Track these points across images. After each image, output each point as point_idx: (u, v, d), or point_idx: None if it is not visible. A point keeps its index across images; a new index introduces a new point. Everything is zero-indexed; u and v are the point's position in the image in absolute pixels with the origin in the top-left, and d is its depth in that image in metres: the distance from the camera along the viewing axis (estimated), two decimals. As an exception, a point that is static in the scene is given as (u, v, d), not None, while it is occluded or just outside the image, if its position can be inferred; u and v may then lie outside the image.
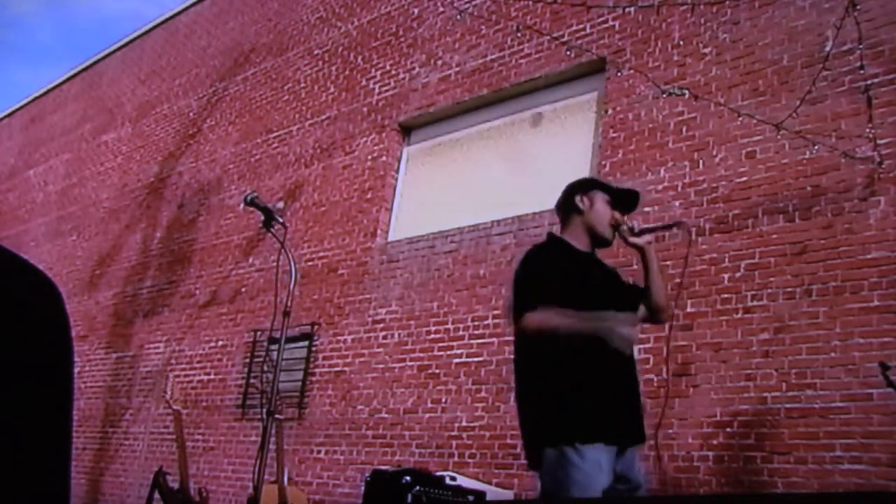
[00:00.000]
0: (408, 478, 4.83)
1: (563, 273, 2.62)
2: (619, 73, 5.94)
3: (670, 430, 4.78)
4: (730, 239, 4.96)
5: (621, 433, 2.53)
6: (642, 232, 2.78)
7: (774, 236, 4.79)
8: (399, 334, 6.53)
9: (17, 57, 42.08)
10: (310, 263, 7.54)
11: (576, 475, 2.38)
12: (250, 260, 8.31)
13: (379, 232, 7.21)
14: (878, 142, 4.44)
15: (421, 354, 6.31)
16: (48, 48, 43.25)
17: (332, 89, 8.45)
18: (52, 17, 42.79)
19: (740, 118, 4.81)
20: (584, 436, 2.42)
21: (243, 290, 8.22)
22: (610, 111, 5.94)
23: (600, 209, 2.81)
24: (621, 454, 2.53)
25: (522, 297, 2.58)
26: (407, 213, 7.30)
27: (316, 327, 7.25)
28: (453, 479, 4.74)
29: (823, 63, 4.58)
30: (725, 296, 4.85)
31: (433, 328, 6.31)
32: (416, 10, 7.87)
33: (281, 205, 7.98)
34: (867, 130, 4.48)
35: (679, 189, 5.32)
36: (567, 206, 2.90)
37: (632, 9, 5.91)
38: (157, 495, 5.32)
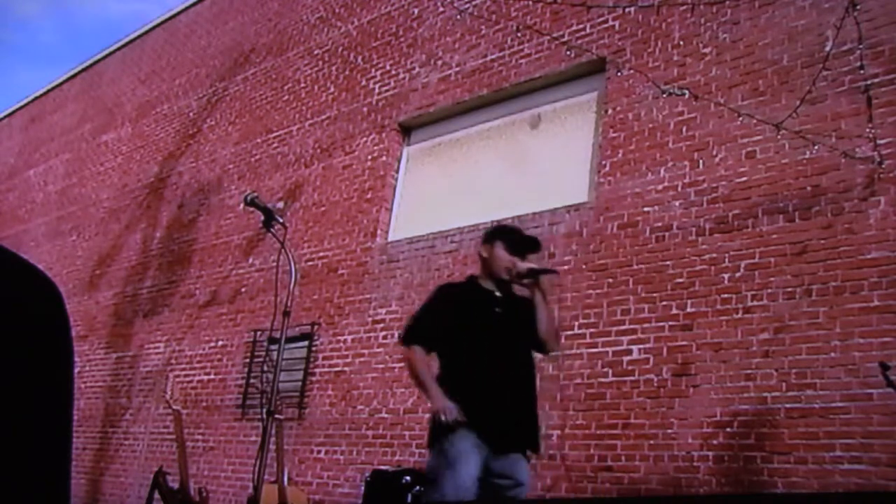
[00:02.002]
0: (408, 478, 4.84)
1: (449, 311, 3.25)
2: (619, 73, 5.94)
3: (670, 430, 4.79)
4: (730, 239, 4.96)
5: (494, 437, 3.02)
6: (527, 274, 3.27)
7: (774, 236, 4.79)
8: (399, 334, 6.52)
9: (20, 58, 42.10)
10: (310, 263, 7.54)
11: (448, 450, 2.97)
12: (250, 260, 8.31)
13: (379, 232, 7.21)
14: (878, 142, 4.44)
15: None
16: (51, 49, 43.29)
17: (332, 89, 8.45)
18: (55, 18, 42.82)
19: (740, 118, 4.81)
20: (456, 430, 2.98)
21: (243, 290, 8.22)
22: (610, 111, 5.94)
23: (498, 255, 3.32)
24: (503, 456, 3.04)
25: (413, 322, 3.34)
26: (407, 213, 7.30)
27: (316, 327, 7.25)
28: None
29: (823, 63, 4.58)
30: (725, 296, 4.85)
31: (433, 328, 6.30)
32: (416, 10, 7.87)
33: (281, 205, 7.99)
34: (867, 130, 4.48)
35: (679, 189, 5.32)
36: (478, 253, 3.50)
37: (632, 9, 5.91)
38: (157, 495, 5.32)
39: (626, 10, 5.95)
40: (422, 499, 3.34)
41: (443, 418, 2.97)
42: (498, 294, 3.33)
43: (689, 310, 4.98)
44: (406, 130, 7.65)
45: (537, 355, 3.37)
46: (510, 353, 3.21)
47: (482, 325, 3.22)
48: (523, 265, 3.30)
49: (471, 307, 3.28)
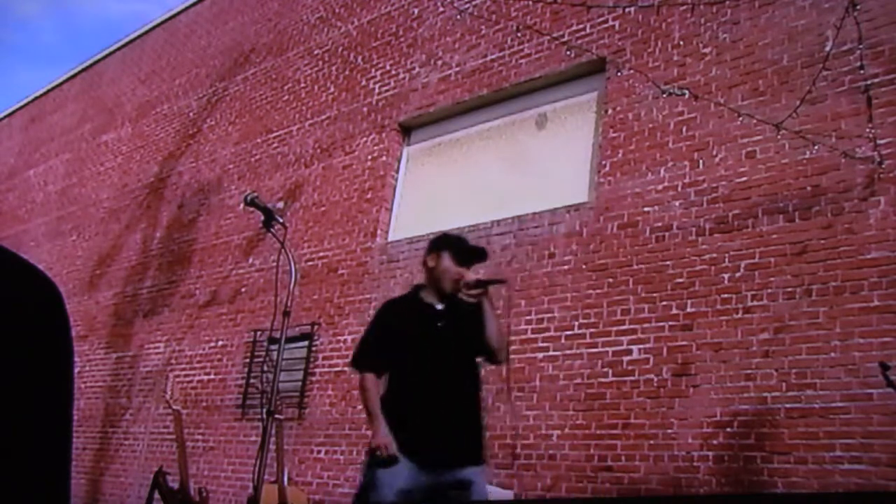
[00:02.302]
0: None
1: (392, 329, 3.26)
2: (619, 73, 5.94)
3: (670, 430, 4.79)
4: (730, 239, 4.96)
5: (432, 457, 3.02)
6: (475, 286, 3.24)
7: (774, 236, 4.79)
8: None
9: (21, 58, 42.10)
10: (310, 263, 7.54)
11: (371, 476, 3.06)
12: (250, 260, 8.31)
13: (379, 232, 7.21)
14: (878, 142, 4.44)
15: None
16: (51, 50, 43.29)
17: (332, 89, 8.45)
18: (56, 18, 42.82)
19: (740, 118, 4.81)
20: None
21: (243, 290, 8.22)
22: (610, 111, 5.94)
23: (444, 266, 3.27)
24: (446, 470, 3.04)
25: (360, 346, 3.35)
26: (407, 213, 7.30)
27: (316, 327, 7.25)
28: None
29: (823, 63, 4.58)
30: (725, 296, 4.85)
31: (433, 328, 6.30)
32: (416, 10, 7.87)
33: (281, 205, 7.99)
34: (867, 130, 4.47)
35: (679, 189, 5.32)
36: (423, 263, 3.42)
37: (632, 9, 5.91)
38: (157, 495, 5.32)
39: (626, 10, 5.95)
40: None
41: (378, 454, 2.99)
42: (440, 307, 3.29)
43: (689, 310, 4.98)
44: (406, 130, 7.64)
45: (487, 364, 3.36)
46: (452, 367, 3.19)
47: (423, 341, 3.20)
48: (471, 276, 3.27)
49: (412, 324, 3.26)
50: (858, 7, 4.30)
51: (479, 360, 3.31)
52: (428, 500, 3.04)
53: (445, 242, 3.41)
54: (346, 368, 6.83)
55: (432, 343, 3.21)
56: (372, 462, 3.06)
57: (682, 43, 5.65)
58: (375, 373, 3.19)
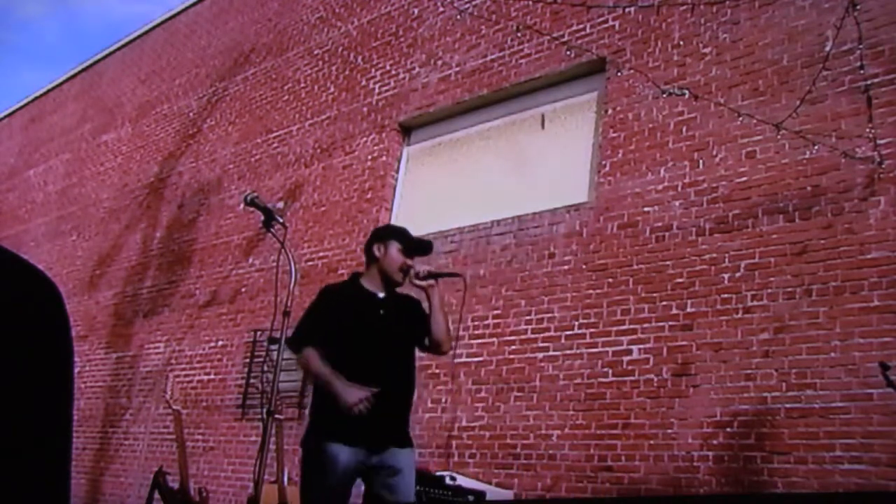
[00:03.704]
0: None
1: (333, 313, 3.25)
2: (619, 73, 5.94)
3: (670, 430, 4.79)
4: (730, 239, 4.96)
5: (364, 437, 3.06)
6: (426, 277, 3.31)
7: (774, 236, 4.79)
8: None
9: (23, 58, 42.11)
10: (310, 263, 7.54)
11: (314, 462, 3.09)
12: (250, 260, 8.31)
13: (379, 232, 7.20)
14: (878, 142, 4.44)
15: (420, 354, 6.30)
16: (54, 50, 43.29)
17: (332, 89, 8.45)
18: (59, 19, 42.83)
19: (740, 118, 4.81)
20: (327, 436, 3.07)
21: (243, 290, 8.22)
22: (610, 111, 5.94)
23: (393, 256, 3.32)
24: (378, 452, 3.09)
25: (299, 327, 3.29)
26: (407, 213, 7.29)
27: (316, 327, 7.24)
28: (453, 479, 4.74)
29: (823, 63, 4.58)
30: (725, 296, 4.85)
31: (433, 328, 6.30)
32: (416, 10, 7.87)
33: (281, 205, 7.99)
34: (867, 130, 4.47)
35: (679, 189, 5.32)
36: (367, 251, 3.44)
37: (632, 9, 5.91)
38: (157, 495, 5.32)
39: (626, 10, 5.95)
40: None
41: (360, 408, 2.99)
42: (381, 295, 3.33)
43: (689, 310, 4.98)
44: (406, 130, 7.65)
45: (422, 354, 3.43)
46: (391, 354, 3.23)
47: (363, 328, 3.23)
48: (423, 267, 3.33)
49: (352, 310, 3.28)
50: (858, 7, 4.30)
51: (417, 349, 3.38)
52: (363, 480, 3.11)
53: (392, 232, 3.47)
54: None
55: (373, 330, 3.23)
56: (313, 437, 3.10)
57: (682, 43, 5.65)
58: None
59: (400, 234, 3.43)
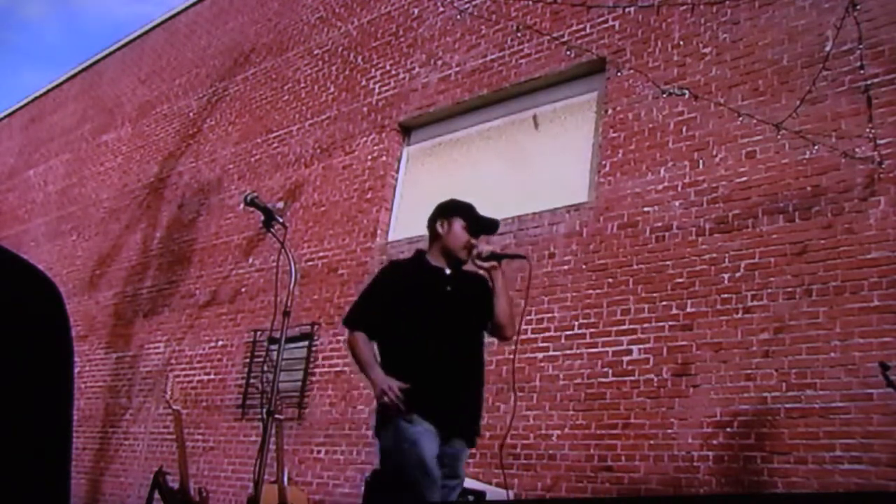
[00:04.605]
0: (408, 478, 4.81)
1: (394, 290, 3.10)
2: (619, 73, 5.94)
3: (670, 430, 4.79)
4: (730, 239, 4.96)
5: (441, 422, 2.88)
6: (489, 258, 3.14)
7: (774, 236, 4.79)
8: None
9: (24, 59, 42.11)
10: (310, 263, 7.54)
11: (405, 433, 2.84)
12: (250, 260, 8.31)
13: (379, 232, 7.21)
14: (878, 142, 4.44)
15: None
16: (56, 51, 43.29)
17: (332, 89, 8.45)
18: (61, 20, 42.82)
19: (740, 118, 4.81)
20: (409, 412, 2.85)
21: (243, 290, 8.22)
22: (610, 111, 5.94)
23: (457, 233, 3.18)
24: (447, 444, 2.91)
25: (355, 306, 3.16)
26: (407, 213, 7.29)
27: (316, 327, 7.25)
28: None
29: (823, 63, 4.58)
30: (725, 296, 4.85)
31: (433, 328, 6.30)
32: (416, 10, 7.87)
33: (281, 205, 7.98)
34: (867, 130, 4.47)
35: (679, 189, 5.32)
36: (430, 228, 3.30)
37: (632, 9, 5.91)
38: (157, 495, 5.32)
39: (626, 10, 5.95)
40: (379, 480, 3.18)
41: (386, 399, 2.83)
42: (448, 272, 3.17)
43: (689, 310, 4.98)
44: (406, 130, 7.64)
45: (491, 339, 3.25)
46: (460, 333, 3.06)
47: (431, 304, 3.06)
48: (486, 247, 3.17)
49: (419, 286, 3.11)
50: (858, 7, 4.30)
51: (483, 332, 3.19)
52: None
53: (457, 208, 3.27)
54: (346, 368, 6.83)
55: (441, 306, 3.07)
56: (389, 414, 2.85)
57: (682, 43, 5.65)
58: (368, 334, 3.06)
59: (465, 211, 3.25)
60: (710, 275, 4.97)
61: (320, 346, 7.17)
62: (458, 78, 7.13)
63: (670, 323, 5.02)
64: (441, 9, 7.43)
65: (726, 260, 4.93)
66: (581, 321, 5.45)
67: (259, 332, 7.71)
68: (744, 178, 5.02)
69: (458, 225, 3.19)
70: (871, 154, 4.46)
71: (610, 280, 5.43)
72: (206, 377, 8.20)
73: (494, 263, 3.14)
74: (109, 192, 11.29)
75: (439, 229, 3.22)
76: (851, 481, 4.04)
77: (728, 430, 4.59)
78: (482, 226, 3.25)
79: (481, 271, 3.17)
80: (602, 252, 5.55)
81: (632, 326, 5.19)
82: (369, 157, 7.64)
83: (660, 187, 5.42)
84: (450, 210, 3.27)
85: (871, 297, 4.29)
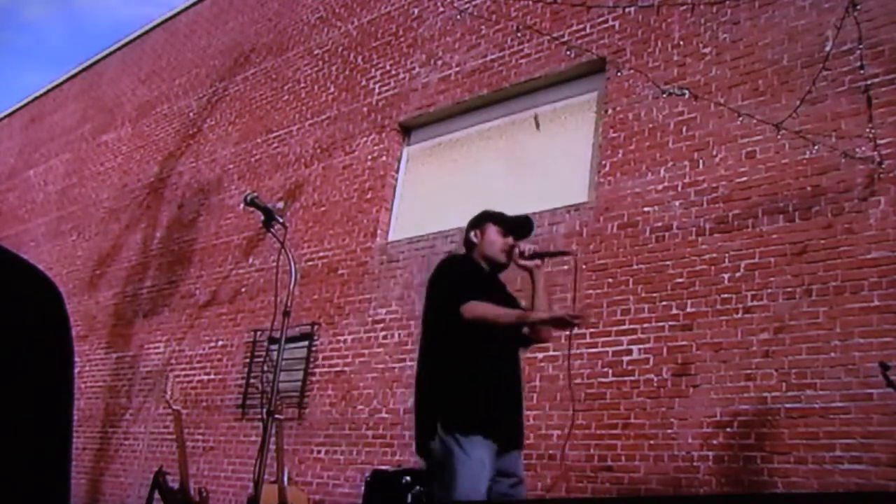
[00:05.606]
0: (408, 478, 4.83)
1: (475, 279, 2.99)
2: (619, 73, 5.93)
3: (670, 430, 4.79)
4: (730, 239, 4.96)
5: (502, 434, 2.79)
6: (532, 256, 3.07)
7: (774, 236, 4.79)
8: (399, 334, 6.53)
9: (26, 60, 42.11)
10: (310, 263, 7.54)
11: (461, 468, 2.67)
12: (250, 260, 8.31)
13: (379, 232, 7.21)
14: (878, 142, 4.44)
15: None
16: (58, 52, 43.29)
17: (332, 89, 8.45)
18: (63, 21, 42.82)
19: (740, 118, 4.81)
20: (467, 428, 2.72)
21: (243, 290, 8.22)
22: (610, 111, 5.94)
23: (491, 238, 3.12)
24: (503, 455, 2.80)
25: (455, 289, 2.90)
26: (407, 213, 7.30)
27: (316, 327, 7.25)
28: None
29: (823, 63, 4.58)
30: (725, 296, 4.85)
31: (433, 328, 6.29)
32: (416, 10, 7.87)
33: (281, 205, 7.98)
34: (867, 130, 4.48)
35: (679, 189, 5.32)
36: (466, 242, 3.24)
37: (632, 9, 5.91)
38: (157, 495, 5.32)
39: (626, 10, 5.95)
40: (431, 491, 3.12)
41: (577, 322, 2.74)
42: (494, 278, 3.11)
43: (689, 310, 4.98)
44: (406, 130, 7.65)
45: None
46: (510, 343, 2.99)
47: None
48: (528, 246, 3.08)
49: (485, 284, 2.99)
50: (858, 7, 4.30)
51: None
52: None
53: (486, 216, 3.21)
54: (346, 368, 6.83)
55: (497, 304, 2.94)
56: (456, 425, 2.69)
57: (682, 43, 5.65)
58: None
59: (495, 216, 3.19)
60: (710, 275, 4.97)
61: (320, 346, 7.17)
62: (458, 78, 7.13)
63: (670, 323, 5.02)
64: (441, 9, 7.43)
65: (726, 260, 4.93)
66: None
67: (259, 332, 7.71)
68: (744, 178, 5.02)
69: (492, 230, 3.13)
70: (871, 154, 4.47)
71: (610, 280, 5.43)
72: (206, 377, 8.20)
73: (538, 262, 3.08)
74: (109, 192, 11.29)
75: (473, 238, 3.16)
76: (851, 481, 4.04)
77: (728, 430, 4.59)
78: (516, 225, 3.19)
79: (525, 271, 3.10)
80: (602, 252, 5.55)
81: (632, 326, 5.19)
82: (369, 157, 7.64)
83: (660, 187, 5.42)
84: (480, 219, 3.22)
85: (871, 297, 4.29)
